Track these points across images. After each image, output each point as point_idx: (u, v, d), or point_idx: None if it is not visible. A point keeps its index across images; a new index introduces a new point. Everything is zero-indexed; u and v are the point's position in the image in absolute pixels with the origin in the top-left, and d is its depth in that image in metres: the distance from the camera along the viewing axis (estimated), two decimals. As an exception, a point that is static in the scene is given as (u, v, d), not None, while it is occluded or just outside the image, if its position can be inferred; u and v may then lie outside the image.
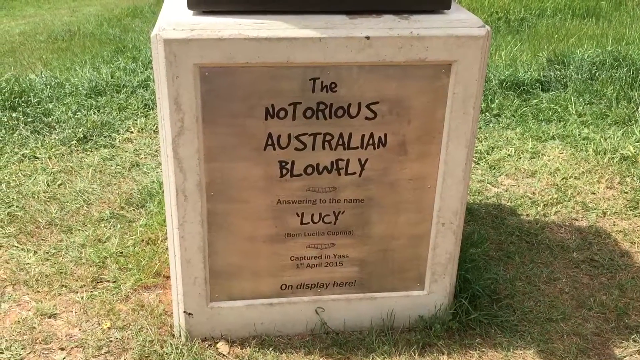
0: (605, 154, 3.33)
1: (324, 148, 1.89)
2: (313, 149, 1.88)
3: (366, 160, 1.92)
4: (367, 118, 1.86)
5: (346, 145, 1.89)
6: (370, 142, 1.90)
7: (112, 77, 4.17)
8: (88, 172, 3.03)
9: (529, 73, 4.49)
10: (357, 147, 1.90)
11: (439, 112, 1.89)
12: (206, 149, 1.82)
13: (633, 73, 4.24)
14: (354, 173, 1.93)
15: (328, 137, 1.87)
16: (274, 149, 1.87)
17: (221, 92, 1.77)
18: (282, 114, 1.82)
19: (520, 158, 3.33)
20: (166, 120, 1.77)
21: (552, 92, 4.22)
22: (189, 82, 1.73)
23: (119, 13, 9.54)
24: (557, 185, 3.06)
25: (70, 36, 7.28)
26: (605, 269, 2.47)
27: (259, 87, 1.78)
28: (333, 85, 1.81)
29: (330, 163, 1.91)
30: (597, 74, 4.38)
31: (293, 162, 1.89)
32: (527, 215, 2.82)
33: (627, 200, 2.94)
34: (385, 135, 1.89)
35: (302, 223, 1.97)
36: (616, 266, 2.48)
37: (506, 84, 4.22)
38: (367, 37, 1.75)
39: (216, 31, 1.70)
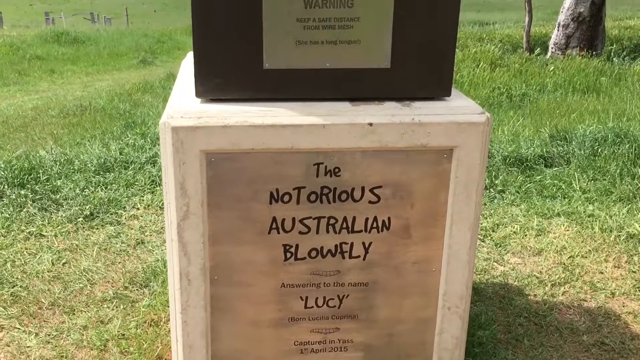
0: (611, 231, 3.31)
1: (328, 232, 1.89)
2: (317, 232, 1.89)
3: (370, 243, 1.92)
4: (370, 202, 1.88)
5: (350, 229, 1.90)
6: (374, 225, 1.91)
7: (120, 154, 4.24)
8: (93, 250, 3.04)
9: (532, 149, 4.53)
10: (361, 231, 1.91)
11: (442, 196, 1.90)
12: (211, 233, 1.83)
13: (635, 149, 4.27)
14: (358, 256, 1.92)
15: (332, 221, 1.88)
16: (278, 233, 1.87)
17: (226, 177, 1.80)
18: (286, 198, 1.84)
19: (526, 235, 3.32)
20: (172, 204, 1.79)
21: (556, 168, 4.25)
22: (195, 168, 1.76)
23: (129, 88, 9.79)
24: (564, 264, 3.03)
25: (81, 111, 7.44)
26: (616, 353, 2.41)
27: (264, 172, 1.81)
28: (337, 170, 1.84)
29: (335, 246, 1.91)
30: (599, 150, 4.42)
31: (297, 246, 1.89)
32: (535, 295, 2.78)
33: (636, 280, 2.90)
34: (389, 218, 1.90)
35: (306, 307, 1.95)
36: (627, 350, 2.43)
37: (510, 160, 4.26)
38: (370, 124, 1.79)
39: (222, 119, 1.74)
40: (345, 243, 1.91)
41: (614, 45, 11.17)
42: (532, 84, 7.78)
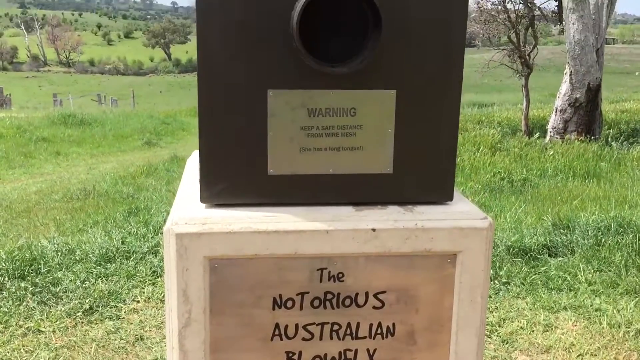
0: (619, 327, 3.25)
1: (331, 338, 1.86)
2: (321, 338, 1.85)
3: (375, 350, 1.88)
4: (374, 307, 1.85)
5: (354, 335, 1.86)
6: (379, 331, 1.87)
7: (122, 243, 4.24)
8: (91, 348, 2.98)
9: (535, 238, 4.52)
10: (365, 337, 1.87)
11: (447, 301, 1.88)
12: (212, 340, 1.79)
13: (639, 240, 4.26)
14: (363, 364, 1.88)
15: (336, 327, 1.85)
16: (281, 339, 1.84)
17: (229, 283, 1.78)
18: (289, 304, 1.82)
19: (533, 331, 3.26)
20: (173, 311, 1.76)
21: (560, 259, 4.22)
22: (199, 274, 1.74)
23: (134, 171, 9.88)
24: (573, 362, 2.96)
25: (85, 195, 7.48)
26: None
27: (267, 277, 1.80)
28: (340, 275, 1.82)
29: (338, 353, 1.87)
30: (603, 239, 4.41)
31: (300, 353, 1.85)
32: (545, 396, 2.70)
33: (648, 380, 2.83)
34: (394, 324, 1.87)
35: (308, 416, 1.89)
36: None
37: (513, 250, 4.24)
38: (374, 229, 1.79)
39: (227, 225, 1.75)
40: (350, 350, 1.87)
41: (612, 130, 11.36)
42: (533, 168, 7.86)
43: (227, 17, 1.68)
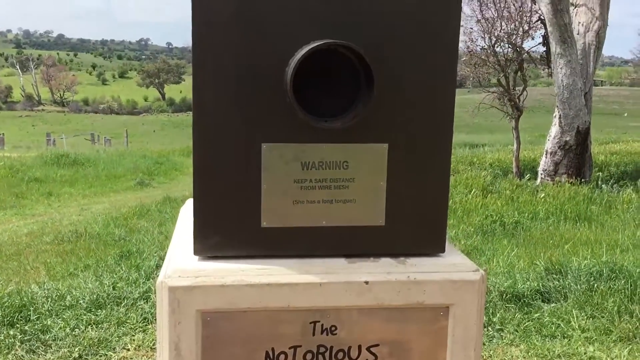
0: (614, 375, 3.23)
1: (324, 392, 1.84)
2: (313, 392, 1.84)
3: (368, 404, 1.86)
4: (367, 361, 1.84)
5: (347, 389, 1.85)
6: (372, 385, 1.86)
7: (113, 289, 4.20)
8: (79, 398, 2.93)
9: (528, 283, 4.52)
10: (358, 391, 1.86)
11: (440, 354, 1.87)
12: (204, 394, 1.78)
13: (631, 285, 4.26)
14: (355, 418, 1.86)
15: (328, 381, 1.84)
16: (273, 394, 1.82)
17: (222, 336, 1.78)
18: (282, 357, 1.81)
19: (527, 380, 3.23)
20: (165, 365, 1.75)
21: (553, 304, 4.22)
22: (191, 327, 1.74)
23: (126, 212, 9.84)
24: (568, 412, 2.93)
25: (76, 237, 7.43)
26: None
27: (260, 330, 1.79)
28: (333, 328, 1.82)
29: (331, 407, 1.85)
30: (595, 285, 4.41)
31: (292, 407, 1.83)
32: None
33: None
34: (387, 378, 1.86)
35: None
36: None
37: (507, 295, 4.24)
38: (366, 282, 1.80)
39: (220, 278, 1.75)
40: (342, 404, 1.85)
41: (602, 172, 11.47)
42: (524, 211, 7.90)
43: (221, 73, 1.72)
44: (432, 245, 1.92)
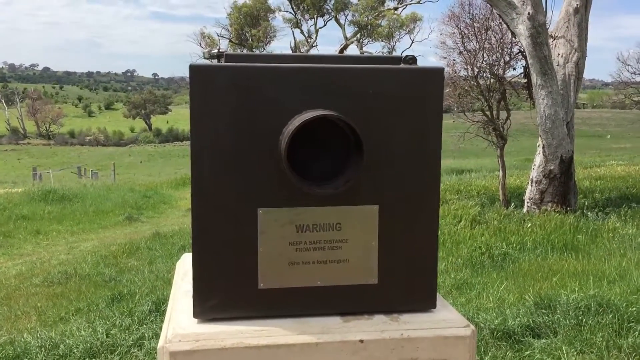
0: (604, 413, 3.28)
1: None
2: None
3: None
4: (364, 417, 1.89)
5: None
6: None
7: (107, 336, 4.21)
8: None
9: (518, 319, 4.58)
10: None
11: (434, 408, 1.92)
12: None
13: (619, 320, 4.34)
14: None
15: None
16: None
17: (221, 398, 1.82)
18: (280, 416, 1.85)
19: (519, 420, 3.27)
20: None
21: (544, 340, 4.27)
22: (191, 390, 1.78)
23: (115, 250, 9.81)
24: None
25: (66, 279, 7.41)
26: None
27: (259, 391, 1.83)
28: (330, 386, 1.87)
29: None
30: (584, 319, 4.48)
31: None
32: None
33: None
34: None
35: None
36: None
37: (497, 333, 4.29)
38: (361, 341, 1.85)
39: (219, 340, 1.80)
40: None
41: (587, 199, 11.62)
42: (512, 242, 7.99)
43: (218, 143, 1.80)
44: (424, 301, 1.98)
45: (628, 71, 35.25)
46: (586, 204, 10.89)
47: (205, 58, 1.78)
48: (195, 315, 1.88)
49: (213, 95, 1.78)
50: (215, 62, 1.92)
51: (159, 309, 4.79)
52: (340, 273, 1.91)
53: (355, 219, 1.90)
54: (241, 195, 1.83)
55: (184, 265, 2.45)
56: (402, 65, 1.91)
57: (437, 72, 1.86)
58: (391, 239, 1.91)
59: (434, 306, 1.99)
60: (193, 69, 1.78)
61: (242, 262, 1.86)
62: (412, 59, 1.92)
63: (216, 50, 2.03)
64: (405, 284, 1.95)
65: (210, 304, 1.87)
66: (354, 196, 1.87)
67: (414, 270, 1.95)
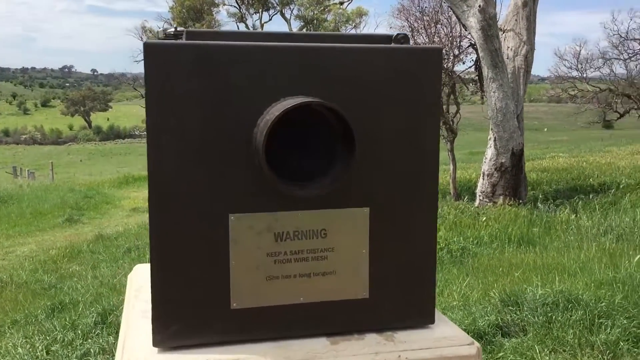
0: (586, 417, 3.14)
1: None
2: None
3: None
4: None
5: None
6: None
7: (47, 353, 3.81)
8: None
9: (486, 318, 4.43)
10: None
11: None
12: None
13: (589, 316, 4.23)
14: None
15: None
16: None
17: None
18: None
19: None
20: None
21: (514, 339, 4.13)
22: None
23: (55, 254, 9.27)
24: None
25: (1, 287, 6.89)
26: None
27: None
28: (317, 420, 1.60)
29: None
30: (553, 316, 4.36)
31: None
32: None
33: None
34: None
35: None
36: None
37: (469, 334, 4.11)
38: (353, 366, 1.59)
39: (184, 375, 1.50)
40: None
41: (535, 191, 11.74)
42: (469, 236, 7.90)
43: (181, 133, 1.50)
44: (421, 316, 1.73)
45: (565, 66, 36.20)
46: (536, 195, 10.98)
47: (159, 39, 1.45)
48: (155, 343, 1.57)
49: (173, 79, 1.48)
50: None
51: (105, 320, 4.40)
52: (326, 287, 1.64)
53: (343, 224, 1.63)
54: (209, 198, 1.53)
55: (138, 279, 2.12)
56: (394, 45, 1.65)
57: (436, 52, 1.61)
58: (384, 245, 1.66)
59: (433, 321, 1.74)
60: (149, 48, 1.47)
61: (210, 278, 1.56)
62: (404, 38, 1.66)
63: (173, 30, 1.72)
64: (401, 297, 1.70)
65: (173, 329, 1.56)
66: (342, 197, 1.60)
67: (410, 281, 1.70)
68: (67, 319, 4.57)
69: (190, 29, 1.60)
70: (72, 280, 7.12)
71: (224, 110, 1.51)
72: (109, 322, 4.36)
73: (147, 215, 1.50)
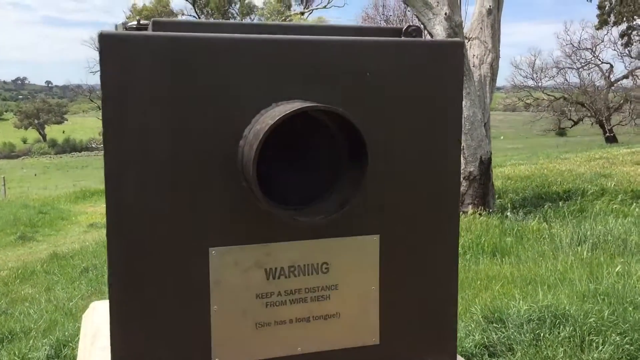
0: None
1: None
2: None
3: None
4: None
5: None
6: None
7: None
8: None
9: (472, 337, 4.18)
10: None
11: None
12: None
13: (578, 332, 4.03)
14: None
15: None
16: None
17: None
18: None
19: None
20: None
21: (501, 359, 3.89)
22: None
23: (5, 275, 8.75)
24: None
25: (-56, 315, 6.36)
26: None
27: None
28: None
29: None
30: (541, 334, 4.14)
31: None
32: None
33: None
34: None
35: None
36: None
37: (455, 357, 3.86)
38: None
39: None
40: None
41: (503, 199, 11.67)
42: (442, 248, 7.69)
43: (146, 147, 1.19)
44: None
45: (521, 75, 36.99)
46: (503, 203, 10.90)
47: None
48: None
49: (137, 79, 1.17)
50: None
51: (59, 354, 4.00)
52: (328, 334, 1.35)
53: (348, 256, 1.34)
54: (183, 228, 1.23)
55: (95, 320, 1.79)
56: (405, 38, 1.37)
57: (457, 47, 1.34)
58: (397, 280, 1.37)
59: (454, 365, 1.47)
60: (106, 40, 1.16)
61: (186, 328, 1.25)
62: (417, 31, 1.39)
63: (135, 23, 1.41)
64: (416, 341, 1.41)
65: (141, 394, 1.25)
66: (347, 223, 1.32)
67: (428, 321, 1.42)
68: (17, 352, 4.15)
69: (157, 18, 1.29)
70: (24, 304, 6.66)
71: (200, 118, 1.21)
72: (63, 356, 3.96)
73: (106, 230, 1.18)
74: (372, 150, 1.25)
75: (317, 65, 1.25)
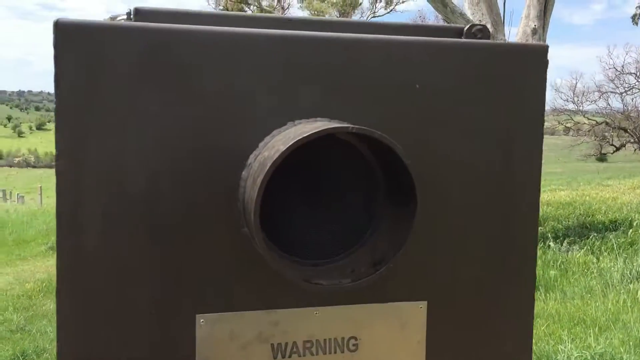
0: None
1: None
2: None
3: None
4: None
5: None
6: None
7: None
8: None
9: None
10: None
11: None
12: None
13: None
14: None
15: None
16: None
17: None
18: None
19: None
20: None
21: (553, 416, 3.47)
22: None
23: (31, 287, 8.62)
24: None
25: (-37, 328, 6.20)
26: None
27: None
28: None
29: None
30: (595, 387, 3.70)
31: None
32: None
33: None
34: None
35: None
36: None
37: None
38: None
39: None
40: None
41: (543, 227, 11.14)
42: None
43: (114, 180, 0.87)
44: None
45: (561, 98, 36.22)
46: (545, 233, 10.38)
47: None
48: None
49: (100, 82, 0.85)
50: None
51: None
52: None
53: (384, 329, 0.99)
54: (162, 288, 0.90)
55: None
56: (468, 39, 1.03)
57: (541, 52, 0.99)
58: (449, 362, 1.02)
59: None
60: (62, 29, 0.85)
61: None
62: (482, 31, 1.05)
63: (124, 16, 1.10)
64: None
65: None
66: (383, 286, 0.97)
67: None
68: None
69: (140, 6, 0.97)
70: (42, 321, 6.45)
71: (188, 139, 0.89)
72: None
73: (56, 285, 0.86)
74: (421, 188, 0.91)
75: (349, 71, 0.92)
